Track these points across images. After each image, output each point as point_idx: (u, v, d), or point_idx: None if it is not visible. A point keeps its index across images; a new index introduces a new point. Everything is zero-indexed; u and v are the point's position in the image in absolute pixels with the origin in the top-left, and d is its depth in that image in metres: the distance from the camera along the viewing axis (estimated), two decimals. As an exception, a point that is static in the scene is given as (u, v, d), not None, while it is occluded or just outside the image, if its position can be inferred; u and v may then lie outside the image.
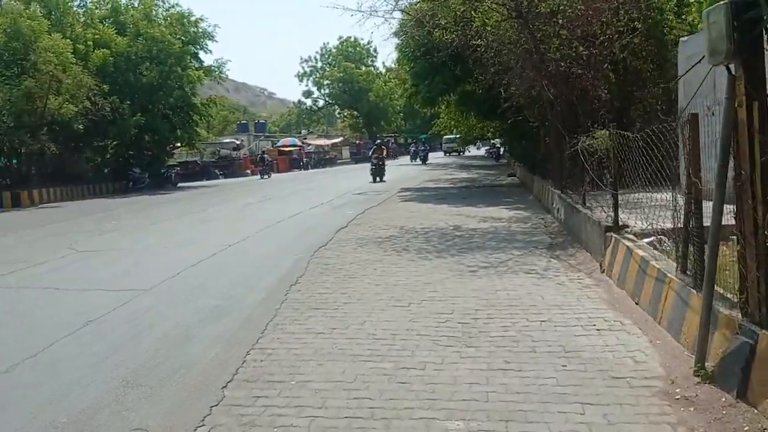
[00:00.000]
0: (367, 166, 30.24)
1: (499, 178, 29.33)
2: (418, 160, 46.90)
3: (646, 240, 7.74)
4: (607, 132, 8.66)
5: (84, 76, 25.57)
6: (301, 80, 73.28)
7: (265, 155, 41.84)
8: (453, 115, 30.45)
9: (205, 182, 41.26)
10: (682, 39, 12.32)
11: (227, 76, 37.02)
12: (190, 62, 32.65)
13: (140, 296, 7.72)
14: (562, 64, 14.05)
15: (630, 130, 8.98)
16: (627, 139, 7.81)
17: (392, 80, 70.43)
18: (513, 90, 16.51)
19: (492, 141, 54.47)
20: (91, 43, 28.91)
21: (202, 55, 35.90)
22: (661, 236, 7.72)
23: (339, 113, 79.81)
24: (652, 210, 7.62)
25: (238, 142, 55.51)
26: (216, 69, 36.06)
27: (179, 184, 36.76)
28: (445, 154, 54.66)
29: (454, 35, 16.13)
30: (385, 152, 31.29)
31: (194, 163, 50.11)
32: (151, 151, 34.13)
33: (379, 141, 33.46)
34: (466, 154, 58.37)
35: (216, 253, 10.63)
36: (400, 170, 38.21)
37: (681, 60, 12.20)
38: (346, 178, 33.08)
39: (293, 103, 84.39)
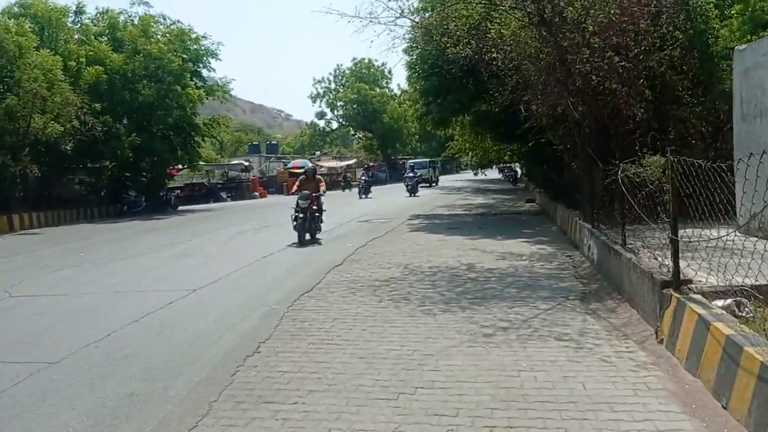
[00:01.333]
0: (380, 189, 28.26)
1: (517, 204, 27.35)
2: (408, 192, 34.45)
3: (719, 302, 5.79)
4: (662, 158, 6.70)
5: (71, 94, 24.05)
6: (314, 101, 72.10)
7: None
8: (468, 137, 28.66)
9: (210, 205, 39.76)
10: (738, 48, 10.37)
11: (231, 95, 35.52)
12: (191, 80, 31.18)
13: (34, 376, 5.81)
14: (593, 78, 12.16)
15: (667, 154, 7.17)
16: (691, 167, 5.90)
17: (406, 102, 69.27)
18: (534, 109, 14.67)
19: (509, 164, 52.65)
20: (84, 59, 27.52)
21: (205, 73, 34.58)
22: (740, 298, 5.79)
23: (354, 134, 78.33)
24: (717, 254, 5.75)
25: (246, 164, 54.14)
26: (219, 88, 34.65)
27: (180, 208, 35.26)
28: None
29: (467, 48, 14.30)
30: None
31: (201, 185, 48.89)
32: (150, 172, 32.60)
33: (310, 168, 19.97)
34: (480, 177, 56.28)
35: (173, 301, 8.78)
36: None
37: (737, 72, 10.27)
38: (352, 203, 31.28)
39: (306, 124, 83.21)
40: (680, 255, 6.26)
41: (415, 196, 33.73)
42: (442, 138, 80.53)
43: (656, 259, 7.23)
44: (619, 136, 12.56)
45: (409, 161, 51.80)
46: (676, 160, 6.20)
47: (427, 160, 57.29)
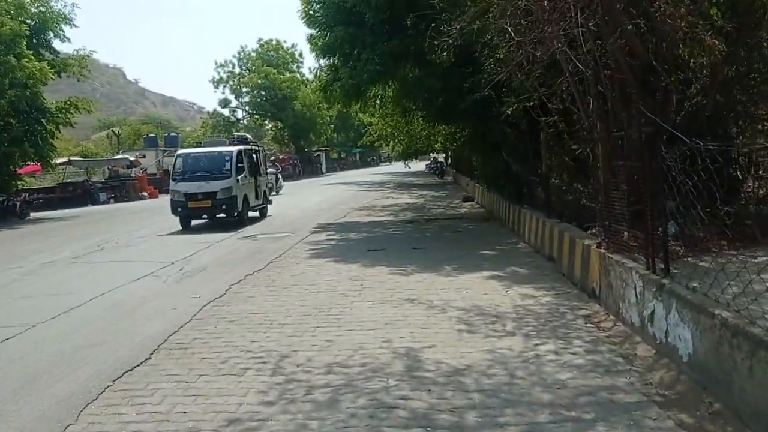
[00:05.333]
0: (290, 186, 22.41)
1: (453, 204, 21.89)
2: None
3: None
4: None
5: None
6: (216, 87, 64.36)
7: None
8: (390, 118, 22.96)
9: (83, 209, 32.21)
10: None
11: (88, 68, 28.00)
12: (30, 50, 23.68)
13: None
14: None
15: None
16: None
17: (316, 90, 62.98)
18: (494, 61, 9.24)
19: (433, 155, 47.49)
20: None
21: (58, 46, 27.14)
22: None
23: (268, 124, 71.06)
24: None
25: (132, 159, 46.29)
26: (75, 61, 27.23)
27: (36, 215, 27.72)
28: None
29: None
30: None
31: (79, 184, 40.91)
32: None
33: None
34: (406, 170, 50.79)
35: None
36: (325, 192, 30.35)
37: None
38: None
39: (207, 113, 75.15)
40: None
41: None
42: (360, 126, 75.00)
43: None
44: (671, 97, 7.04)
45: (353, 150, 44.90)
46: None
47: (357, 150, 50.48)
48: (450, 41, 10.74)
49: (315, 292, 8.36)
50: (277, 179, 29.89)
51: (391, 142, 34.21)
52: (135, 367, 5.59)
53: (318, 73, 17.23)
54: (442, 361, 5.42)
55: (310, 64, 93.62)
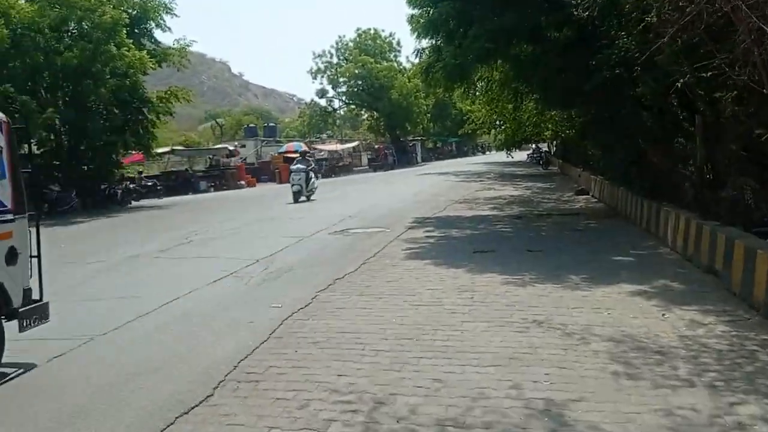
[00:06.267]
0: (385, 176, 21.57)
1: (565, 197, 19.81)
2: (301, 197, 21.43)
3: None
4: None
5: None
6: (314, 77, 64.14)
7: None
8: (495, 104, 21.05)
9: (182, 198, 32.61)
10: None
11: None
12: (128, 40, 23.64)
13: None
14: None
15: None
16: None
17: (415, 75, 61.51)
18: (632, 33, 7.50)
19: (535, 144, 44.86)
20: (-26, 9, 20.25)
21: (159, 36, 27.23)
22: None
23: (364, 113, 70.45)
24: None
25: (231, 148, 46.84)
26: (175, 51, 27.15)
27: (136, 203, 28.10)
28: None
29: None
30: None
31: (181, 173, 41.91)
32: (89, 161, 25.35)
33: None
34: (507, 159, 48.28)
35: None
36: (422, 183, 28.91)
37: None
38: (343, 195, 23.93)
39: (305, 103, 75.45)
40: None
41: (299, 201, 21.02)
42: (457, 115, 72.98)
43: None
44: None
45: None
46: None
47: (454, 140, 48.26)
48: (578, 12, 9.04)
49: (415, 305, 6.92)
50: (308, 178, 21.84)
51: (493, 130, 32.25)
52: (192, 408, 4.37)
53: (418, 56, 15.68)
54: (600, 427, 3.84)
55: (407, 52, 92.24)
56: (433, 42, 13.98)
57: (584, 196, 19.25)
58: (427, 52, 14.41)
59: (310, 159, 24.39)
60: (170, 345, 5.83)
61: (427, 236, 12.16)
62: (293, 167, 22.78)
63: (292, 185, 21.82)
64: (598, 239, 11.02)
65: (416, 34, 15.07)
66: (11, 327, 5.40)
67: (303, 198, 21.48)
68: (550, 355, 5.14)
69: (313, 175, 22.77)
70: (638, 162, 12.02)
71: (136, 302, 7.49)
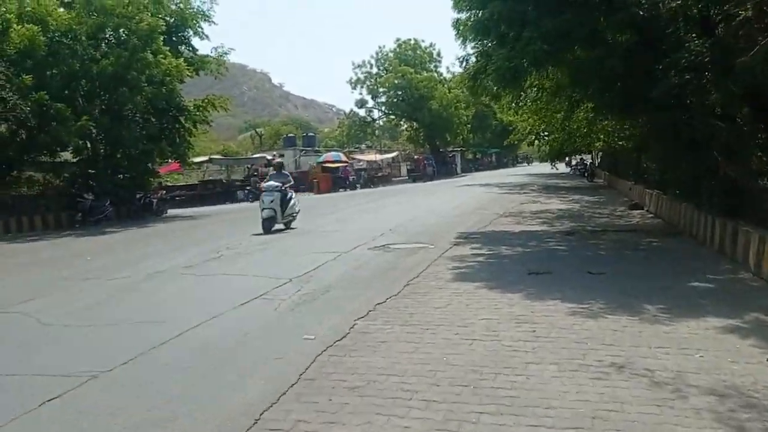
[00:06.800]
0: (425, 187, 19.80)
1: (618, 211, 18.59)
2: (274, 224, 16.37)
3: None
4: None
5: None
6: (353, 87, 63.71)
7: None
8: (543, 113, 19.96)
9: (219, 207, 32.44)
10: None
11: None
12: (167, 46, 23.36)
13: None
14: None
15: None
16: None
17: (457, 86, 60.44)
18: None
19: (580, 156, 43.39)
20: (13, 15, 20.15)
21: (196, 43, 27.00)
22: None
23: (403, 124, 69.70)
24: None
25: (269, 157, 46.52)
26: (212, 59, 26.86)
27: (170, 212, 27.84)
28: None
29: None
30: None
31: (218, 182, 41.98)
32: (125, 170, 25.16)
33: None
34: (552, 171, 46.81)
35: None
36: (464, 195, 27.93)
37: None
38: (382, 207, 23.09)
39: (344, 113, 75.08)
40: None
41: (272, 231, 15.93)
42: (498, 126, 71.58)
43: None
44: None
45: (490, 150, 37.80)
46: None
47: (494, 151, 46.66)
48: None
49: (468, 339, 6.00)
50: (285, 199, 16.62)
51: (537, 141, 31.08)
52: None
53: (464, 62, 14.74)
54: None
55: (447, 63, 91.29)
56: (482, 46, 13.05)
57: (638, 211, 18.01)
58: (475, 58, 13.46)
59: (287, 173, 18.00)
60: (182, 388, 5.02)
61: (475, 254, 11.21)
62: (265, 184, 17.03)
63: (262, 209, 16.05)
64: (664, 261, 9.91)
65: (462, 38, 14.18)
66: (12, 359, 4.68)
67: (278, 226, 16.25)
68: (641, 414, 4.17)
69: (292, 194, 16.93)
70: (709, 176, 10.87)
71: (153, 329, 6.75)
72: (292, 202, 16.94)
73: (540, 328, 6.26)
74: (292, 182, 17.70)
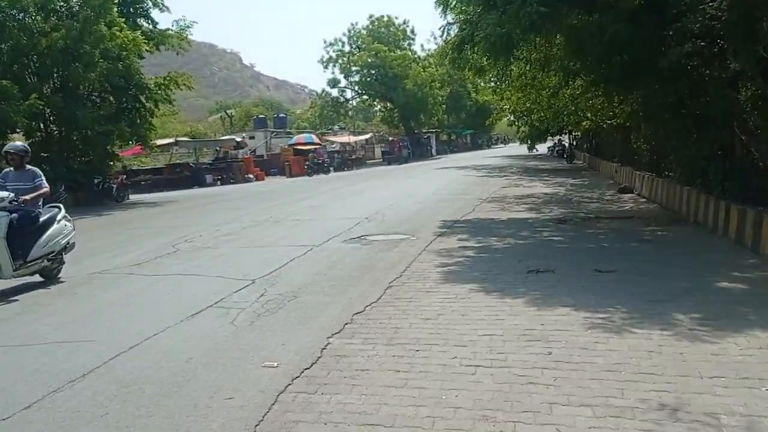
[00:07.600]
0: (401, 170, 18.35)
1: (607, 195, 17.54)
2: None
3: None
4: None
5: None
6: (326, 67, 61.83)
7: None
8: (529, 90, 18.76)
9: (188, 191, 30.80)
10: None
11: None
12: (121, 19, 21.55)
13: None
14: None
15: None
16: None
17: (432, 65, 58.97)
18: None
19: (557, 137, 42.40)
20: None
21: (157, 16, 25.11)
22: None
23: (377, 104, 68.07)
24: None
25: (239, 140, 44.86)
26: (174, 33, 25.07)
27: (133, 197, 26.19)
28: None
29: None
30: None
31: (185, 165, 40.07)
32: (82, 153, 23.40)
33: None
34: (531, 153, 45.76)
35: None
36: (442, 178, 26.76)
37: None
38: (357, 192, 21.77)
39: (316, 94, 73.12)
40: None
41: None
42: (473, 107, 70.29)
43: None
44: None
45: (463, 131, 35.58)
46: None
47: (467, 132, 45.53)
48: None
49: (470, 365, 4.77)
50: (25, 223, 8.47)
51: (518, 122, 29.95)
52: None
53: (444, 33, 13.37)
54: None
55: (421, 40, 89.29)
56: (465, 14, 11.71)
57: (629, 195, 16.99)
58: (458, 27, 12.11)
59: (36, 170, 8.81)
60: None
61: (463, 247, 9.99)
62: None
63: None
64: (678, 254, 8.79)
65: (443, 6, 12.87)
66: None
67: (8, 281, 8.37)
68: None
69: (55, 214, 9.08)
70: (721, 156, 9.77)
71: (75, 353, 5.40)
72: (51, 229, 8.82)
73: (556, 348, 5.06)
74: (46, 189, 8.76)
